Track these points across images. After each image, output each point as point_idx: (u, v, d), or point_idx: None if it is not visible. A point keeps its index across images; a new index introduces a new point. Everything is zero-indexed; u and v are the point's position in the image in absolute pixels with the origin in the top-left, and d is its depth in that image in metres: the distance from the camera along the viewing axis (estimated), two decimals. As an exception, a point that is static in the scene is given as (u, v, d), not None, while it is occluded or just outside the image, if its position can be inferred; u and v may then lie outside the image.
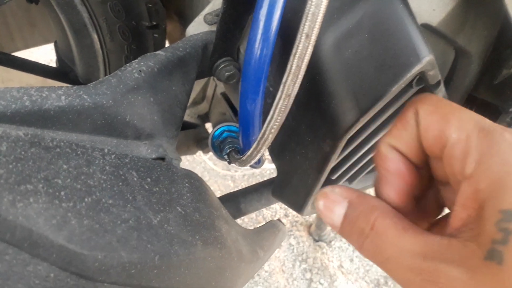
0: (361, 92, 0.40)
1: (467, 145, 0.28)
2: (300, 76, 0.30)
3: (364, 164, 0.56)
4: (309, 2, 0.26)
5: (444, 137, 0.29)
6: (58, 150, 0.29)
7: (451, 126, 0.29)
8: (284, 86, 0.30)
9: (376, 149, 0.34)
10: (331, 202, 0.33)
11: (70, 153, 0.30)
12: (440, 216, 0.38)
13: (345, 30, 0.38)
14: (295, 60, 0.29)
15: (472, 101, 0.62)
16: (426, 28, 0.46)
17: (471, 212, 0.27)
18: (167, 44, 0.71)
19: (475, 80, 0.58)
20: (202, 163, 1.83)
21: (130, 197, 0.32)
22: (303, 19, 0.27)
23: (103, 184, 0.31)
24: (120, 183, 0.32)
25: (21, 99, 0.31)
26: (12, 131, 0.27)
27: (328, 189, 0.34)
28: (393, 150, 0.33)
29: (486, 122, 0.29)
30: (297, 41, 0.28)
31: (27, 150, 0.27)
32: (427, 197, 0.37)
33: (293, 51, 0.29)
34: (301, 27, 0.27)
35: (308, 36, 0.27)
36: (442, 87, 0.49)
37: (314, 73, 0.40)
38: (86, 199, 0.29)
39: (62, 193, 0.28)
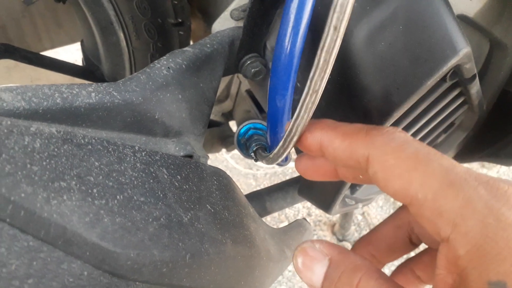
0: (395, 86, 0.39)
1: (435, 206, 0.25)
2: (328, 71, 0.28)
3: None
4: None
5: (408, 196, 0.26)
6: (89, 147, 0.29)
7: (413, 185, 0.25)
8: (311, 81, 0.29)
9: None
10: (311, 259, 0.31)
11: (101, 150, 0.30)
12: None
13: (378, 22, 0.37)
14: (323, 54, 0.28)
15: (504, 96, 0.59)
16: (462, 20, 0.44)
17: (456, 278, 0.25)
18: (191, 42, 0.71)
19: (510, 74, 0.56)
20: (224, 162, 1.83)
21: (161, 195, 0.32)
22: (331, 11, 0.26)
23: (134, 181, 0.31)
24: (151, 181, 0.32)
25: (53, 96, 0.31)
26: (45, 128, 0.27)
27: (307, 244, 0.32)
28: None
29: (457, 173, 0.25)
30: (324, 34, 0.27)
31: (60, 147, 0.27)
32: (397, 236, 0.35)
33: (321, 44, 0.27)
34: (328, 19, 0.26)
35: (336, 29, 0.26)
36: (477, 81, 0.47)
37: (346, 67, 0.39)
38: (118, 197, 0.29)
39: (95, 190, 0.27)
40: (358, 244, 0.36)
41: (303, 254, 0.31)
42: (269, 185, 0.73)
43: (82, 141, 0.29)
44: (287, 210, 1.72)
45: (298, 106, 0.33)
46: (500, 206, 0.23)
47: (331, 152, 0.31)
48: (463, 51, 0.38)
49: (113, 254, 0.26)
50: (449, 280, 0.25)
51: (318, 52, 0.29)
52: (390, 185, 0.27)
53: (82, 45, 0.75)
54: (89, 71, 0.73)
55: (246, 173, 1.82)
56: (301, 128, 0.34)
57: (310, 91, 0.31)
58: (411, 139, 0.28)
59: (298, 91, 0.48)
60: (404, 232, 0.34)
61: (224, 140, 0.84)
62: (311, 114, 0.34)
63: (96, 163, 0.29)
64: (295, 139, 0.37)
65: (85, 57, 0.74)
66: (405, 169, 0.26)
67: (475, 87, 0.48)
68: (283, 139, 0.38)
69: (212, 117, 0.84)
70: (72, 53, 1.88)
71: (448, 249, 0.25)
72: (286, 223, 1.76)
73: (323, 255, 0.31)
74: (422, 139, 0.55)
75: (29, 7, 0.72)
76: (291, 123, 0.35)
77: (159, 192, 0.32)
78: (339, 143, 0.30)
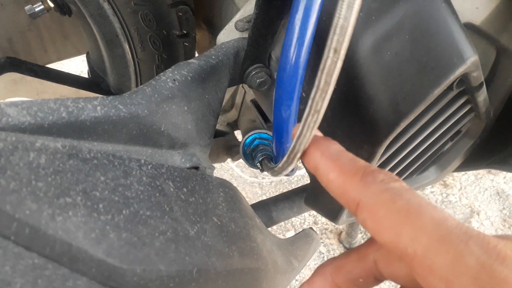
0: (402, 96, 0.38)
1: (426, 262, 0.24)
2: (330, 92, 0.28)
3: (401, 170, 0.55)
4: (337, 15, 0.24)
5: (398, 249, 0.25)
6: (95, 161, 0.29)
7: (403, 239, 0.25)
8: (312, 102, 0.28)
9: None
10: None
11: (107, 165, 0.30)
12: None
13: (384, 31, 0.37)
14: (323, 76, 0.27)
15: (511, 102, 0.59)
16: (468, 28, 0.44)
17: None
18: (196, 53, 0.71)
19: (517, 81, 0.56)
20: (230, 170, 1.83)
21: (167, 208, 0.32)
22: (331, 33, 0.25)
23: (140, 195, 0.30)
24: (157, 194, 0.32)
25: (58, 111, 0.31)
26: (50, 143, 0.27)
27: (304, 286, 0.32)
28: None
29: (447, 227, 0.24)
30: (324, 56, 0.26)
31: (65, 162, 0.27)
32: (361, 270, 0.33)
33: (321, 66, 0.27)
34: (328, 42, 0.25)
35: (336, 51, 0.25)
36: (484, 89, 0.47)
37: (352, 77, 0.39)
38: (124, 211, 0.28)
39: (100, 205, 0.27)
40: (322, 269, 0.34)
41: None
42: (275, 193, 0.73)
43: (88, 156, 0.29)
44: (293, 218, 1.72)
45: (300, 125, 0.33)
46: (492, 262, 0.23)
47: (325, 182, 0.30)
48: (470, 60, 0.38)
49: (119, 270, 0.26)
50: None
51: (319, 73, 0.28)
52: (380, 236, 0.26)
53: (87, 57, 0.75)
54: (95, 83, 0.73)
55: (251, 181, 1.81)
56: (304, 146, 0.33)
57: (312, 111, 0.30)
58: (404, 189, 0.27)
59: (304, 101, 0.47)
60: (369, 268, 0.32)
61: (230, 149, 0.83)
62: (313, 133, 0.33)
63: (102, 178, 0.28)
64: (298, 155, 0.36)
65: (91, 69, 0.74)
66: (395, 222, 0.25)
67: (482, 95, 0.47)
68: (286, 155, 0.38)
69: (217, 126, 0.84)
70: (76, 65, 1.89)
71: None
72: (292, 232, 1.76)
73: None
74: (429, 147, 0.54)
75: (35, 20, 0.73)
76: (294, 141, 0.35)
77: (165, 206, 0.32)
78: (334, 177, 0.29)
